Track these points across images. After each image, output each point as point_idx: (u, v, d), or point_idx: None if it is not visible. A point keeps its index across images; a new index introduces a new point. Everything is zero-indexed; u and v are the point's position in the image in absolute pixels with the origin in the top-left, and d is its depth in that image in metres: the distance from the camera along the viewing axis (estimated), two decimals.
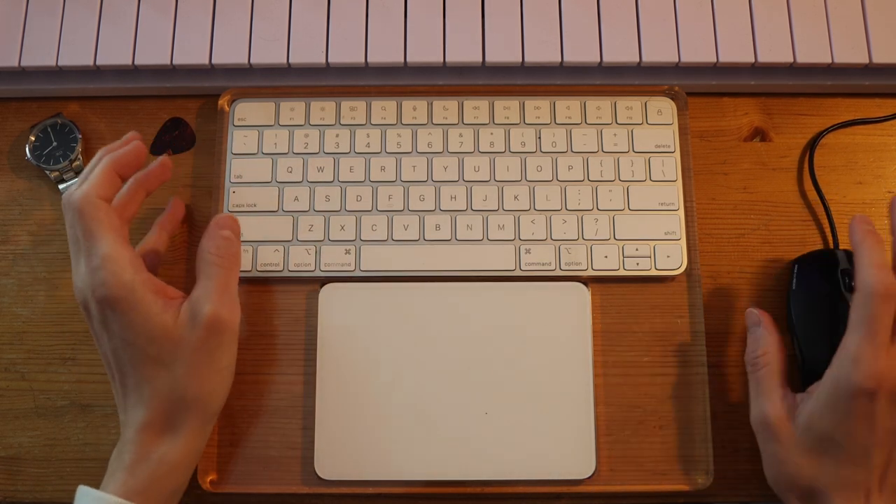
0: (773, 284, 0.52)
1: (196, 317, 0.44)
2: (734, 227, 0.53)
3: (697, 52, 0.53)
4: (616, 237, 0.52)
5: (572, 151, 0.53)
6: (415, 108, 0.54)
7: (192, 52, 0.53)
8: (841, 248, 0.52)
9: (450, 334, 0.50)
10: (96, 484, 0.43)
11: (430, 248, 0.52)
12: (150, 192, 0.49)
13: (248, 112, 0.54)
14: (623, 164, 0.53)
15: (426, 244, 0.52)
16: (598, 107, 0.54)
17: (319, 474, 0.48)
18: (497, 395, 0.49)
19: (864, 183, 0.54)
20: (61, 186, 0.53)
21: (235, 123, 0.54)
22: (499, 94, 0.54)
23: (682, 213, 0.52)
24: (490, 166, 0.53)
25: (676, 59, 0.53)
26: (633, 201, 0.52)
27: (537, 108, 0.54)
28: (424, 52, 0.53)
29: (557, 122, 0.54)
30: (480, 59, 0.53)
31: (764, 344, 0.47)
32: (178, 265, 0.53)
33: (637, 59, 0.53)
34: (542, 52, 0.53)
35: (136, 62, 0.53)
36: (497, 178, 0.53)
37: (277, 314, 0.52)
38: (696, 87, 0.54)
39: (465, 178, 0.53)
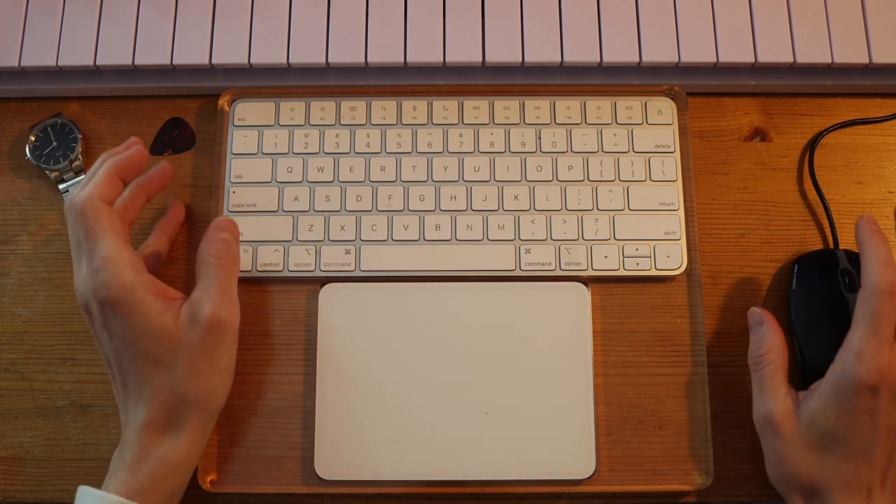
0: (773, 284, 0.52)
1: (196, 317, 0.45)
2: (734, 227, 0.53)
3: (697, 52, 0.53)
4: (616, 237, 0.52)
5: (572, 151, 0.53)
6: (415, 108, 0.54)
7: (192, 52, 0.53)
8: (841, 248, 0.52)
9: (449, 334, 0.50)
10: (96, 484, 0.43)
11: (430, 248, 0.52)
12: (151, 197, 0.50)
13: (248, 112, 0.54)
14: (623, 164, 0.53)
15: (426, 244, 0.52)
16: (598, 107, 0.54)
17: (319, 474, 0.48)
18: (497, 395, 0.49)
19: (864, 183, 0.54)
20: (61, 186, 0.53)
21: (235, 123, 0.54)
22: (499, 94, 0.54)
23: (682, 213, 0.52)
24: (490, 166, 0.53)
25: (676, 59, 0.53)
26: (633, 201, 0.52)
27: (537, 108, 0.54)
28: (424, 52, 0.53)
29: (557, 122, 0.54)
30: (480, 59, 0.53)
31: (767, 343, 0.47)
32: (177, 265, 0.53)
33: (637, 59, 0.53)
34: (542, 52, 0.53)
35: (136, 62, 0.53)
36: (497, 178, 0.53)
37: (277, 314, 0.52)
38: (696, 87, 0.54)
39: (465, 178, 0.53)
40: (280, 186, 0.53)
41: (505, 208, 0.52)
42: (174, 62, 0.53)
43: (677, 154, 0.53)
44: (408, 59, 0.53)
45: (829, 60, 0.53)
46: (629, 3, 0.54)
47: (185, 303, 0.46)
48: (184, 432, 0.44)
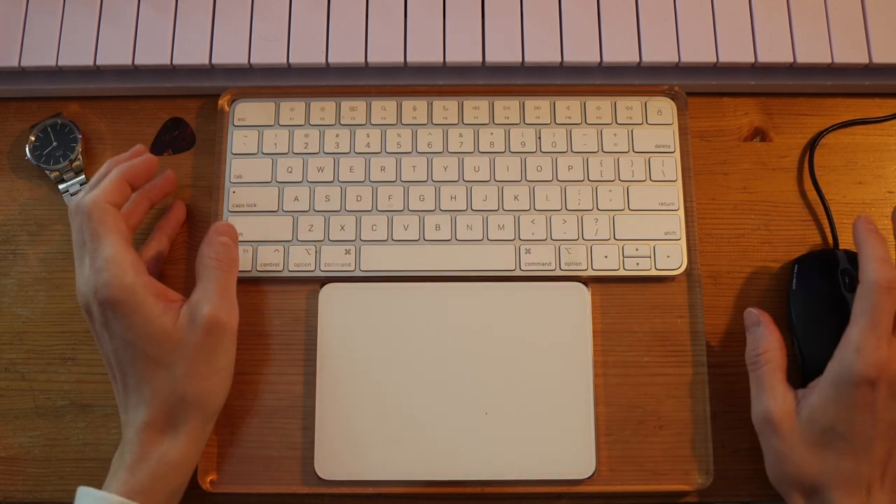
0: (773, 284, 0.52)
1: (195, 319, 0.45)
2: (734, 227, 0.53)
3: (697, 52, 0.53)
4: (616, 237, 0.52)
5: (572, 151, 0.53)
6: (415, 108, 0.54)
7: (192, 52, 0.53)
8: (841, 248, 0.52)
9: (449, 334, 0.50)
10: (96, 484, 0.43)
11: (430, 249, 0.52)
12: (155, 204, 0.51)
13: (248, 112, 0.54)
14: (623, 164, 0.53)
15: (426, 244, 0.52)
16: (598, 107, 0.54)
17: (319, 474, 0.48)
18: (497, 395, 0.49)
19: (864, 183, 0.54)
20: (61, 186, 0.53)
21: (235, 123, 0.54)
22: (499, 94, 0.54)
23: (682, 213, 0.52)
24: (490, 166, 0.53)
25: (676, 59, 0.53)
26: (633, 201, 0.52)
27: (537, 108, 0.54)
28: (424, 52, 0.53)
29: (557, 122, 0.54)
30: (480, 59, 0.53)
31: (765, 342, 0.47)
32: (177, 265, 0.53)
33: (637, 59, 0.53)
34: (542, 52, 0.53)
35: (136, 62, 0.53)
36: (497, 178, 0.53)
37: (277, 314, 0.52)
38: (696, 87, 0.54)
39: (465, 178, 0.53)
40: (280, 186, 0.53)
41: (505, 208, 0.52)
42: (174, 62, 0.53)
43: (677, 154, 0.53)
44: (408, 59, 0.53)
45: (829, 60, 0.53)
46: (629, 3, 0.54)
47: (184, 304, 0.46)
48: (183, 432, 0.45)
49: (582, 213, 0.52)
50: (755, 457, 0.47)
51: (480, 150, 0.53)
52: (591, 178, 0.53)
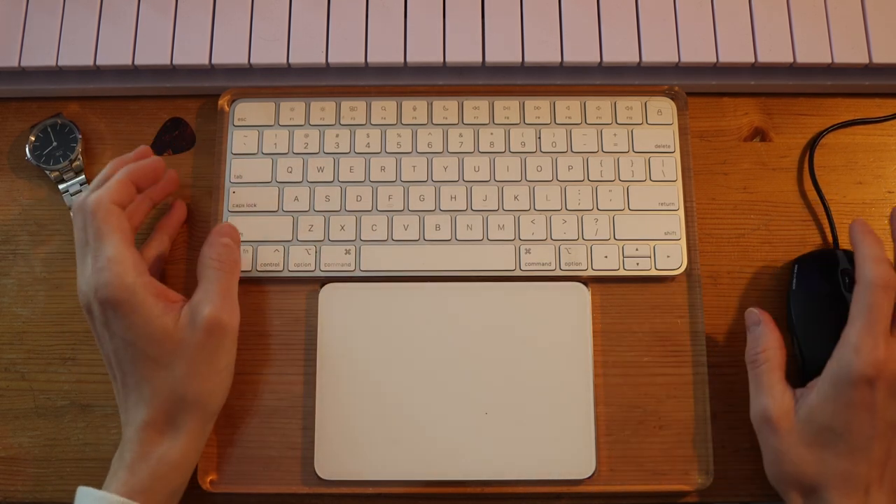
0: (773, 284, 0.52)
1: (196, 319, 0.45)
2: (734, 227, 0.53)
3: (697, 52, 0.53)
4: (616, 237, 0.52)
5: (572, 151, 0.53)
6: (415, 108, 0.54)
7: (192, 52, 0.53)
8: (841, 248, 0.52)
9: (449, 334, 0.50)
10: (96, 484, 0.43)
11: (430, 248, 0.52)
12: (156, 204, 0.52)
13: (248, 112, 0.54)
14: (623, 164, 0.53)
15: (426, 244, 0.52)
16: (598, 107, 0.54)
17: (319, 474, 0.48)
18: (497, 396, 0.49)
19: (864, 183, 0.54)
20: (61, 186, 0.53)
21: (235, 123, 0.54)
22: (499, 94, 0.54)
23: (682, 213, 0.52)
24: (490, 166, 0.53)
25: (676, 59, 0.53)
26: (633, 201, 0.52)
27: (537, 108, 0.54)
28: (424, 52, 0.53)
29: (557, 122, 0.54)
30: (480, 59, 0.53)
31: (764, 341, 0.47)
32: (178, 265, 0.53)
33: (637, 59, 0.53)
34: (542, 52, 0.53)
35: (136, 62, 0.53)
36: (497, 178, 0.53)
37: (277, 314, 0.52)
38: (696, 87, 0.54)
39: (465, 178, 0.53)
40: (280, 186, 0.53)
41: (505, 208, 0.52)
42: (174, 62, 0.53)
43: (677, 154, 0.53)
44: (408, 59, 0.53)
45: (829, 60, 0.53)
46: (629, 3, 0.54)
47: (185, 305, 0.46)
48: (183, 432, 0.45)
49: (582, 213, 0.52)
50: (755, 457, 0.47)
51: (480, 150, 0.53)
52: (591, 178, 0.53)
